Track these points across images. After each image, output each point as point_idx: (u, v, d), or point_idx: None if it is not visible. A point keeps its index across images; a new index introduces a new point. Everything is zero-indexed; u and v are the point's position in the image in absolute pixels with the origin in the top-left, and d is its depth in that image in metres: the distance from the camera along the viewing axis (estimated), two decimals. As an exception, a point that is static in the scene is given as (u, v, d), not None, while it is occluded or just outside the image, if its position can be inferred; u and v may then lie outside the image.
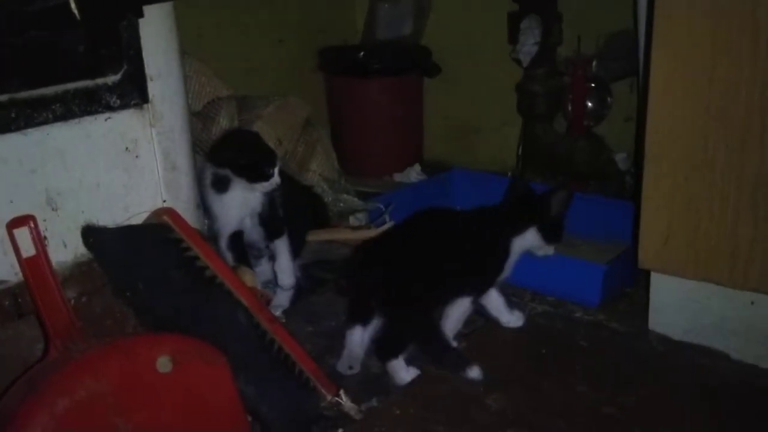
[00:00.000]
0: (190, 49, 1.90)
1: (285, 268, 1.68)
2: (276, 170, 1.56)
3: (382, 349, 1.46)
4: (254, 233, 1.66)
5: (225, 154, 1.57)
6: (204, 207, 1.62)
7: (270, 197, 1.61)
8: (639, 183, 1.50)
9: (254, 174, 1.55)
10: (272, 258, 1.71)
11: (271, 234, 1.66)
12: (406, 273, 1.44)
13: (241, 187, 1.57)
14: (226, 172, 1.56)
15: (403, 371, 1.44)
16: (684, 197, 1.43)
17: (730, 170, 1.37)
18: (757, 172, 1.34)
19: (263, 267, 1.75)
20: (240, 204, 1.60)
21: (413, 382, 1.44)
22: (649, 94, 1.43)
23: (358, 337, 1.49)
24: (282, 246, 1.67)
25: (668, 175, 1.43)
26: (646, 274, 1.57)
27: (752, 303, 1.43)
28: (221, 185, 1.57)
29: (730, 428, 1.30)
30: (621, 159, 2.30)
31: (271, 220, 1.64)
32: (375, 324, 1.48)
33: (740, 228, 1.38)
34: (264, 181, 1.56)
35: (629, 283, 1.76)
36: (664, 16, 1.37)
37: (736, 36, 1.31)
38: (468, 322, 1.62)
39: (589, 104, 2.32)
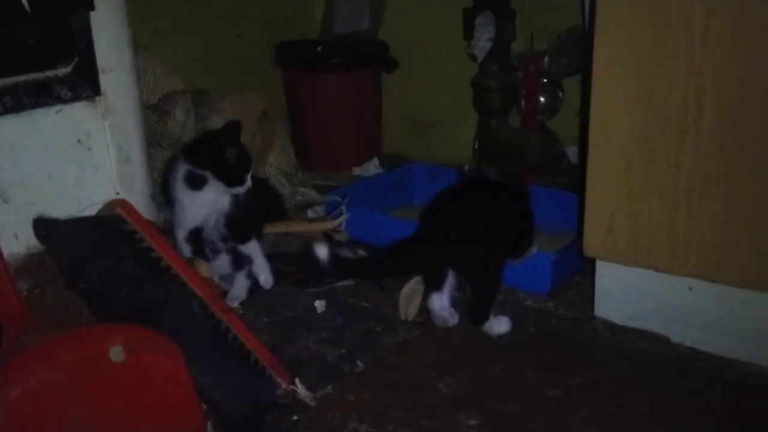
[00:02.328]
0: (146, 43, 1.90)
1: (263, 269, 1.70)
2: (249, 175, 1.59)
3: (477, 314, 1.58)
4: (214, 232, 1.68)
5: (208, 156, 1.57)
6: (168, 199, 1.63)
7: (237, 199, 1.63)
8: (583, 174, 1.55)
9: (233, 179, 1.58)
10: (229, 251, 1.72)
11: (238, 237, 1.68)
12: (482, 240, 1.57)
13: (215, 188, 1.59)
14: (205, 173, 1.57)
15: (499, 324, 1.58)
16: (625, 188, 1.48)
17: (668, 162, 1.42)
18: (692, 163, 1.40)
19: (221, 261, 1.76)
20: (210, 203, 1.62)
21: (367, 369, 1.48)
22: (591, 88, 1.47)
23: (439, 302, 1.59)
24: (254, 248, 1.69)
25: (610, 166, 1.49)
26: (593, 262, 1.63)
27: (690, 288, 1.49)
28: (196, 183, 1.58)
29: (670, 407, 1.36)
30: (572, 152, 2.36)
31: (238, 223, 1.66)
32: (448, 285, 1.60)
33: (678, 217, 1.44)
34: (239, 186, 1.58)
35: (578, 272, 1.82)
36: (605, 12, 1.42)
37: (673, 31, 1.37)
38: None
39: (542, 99, 2.37)
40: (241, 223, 1.66)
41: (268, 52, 2.68)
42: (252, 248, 1.69)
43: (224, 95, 2.08)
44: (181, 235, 1.64)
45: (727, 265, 1.41)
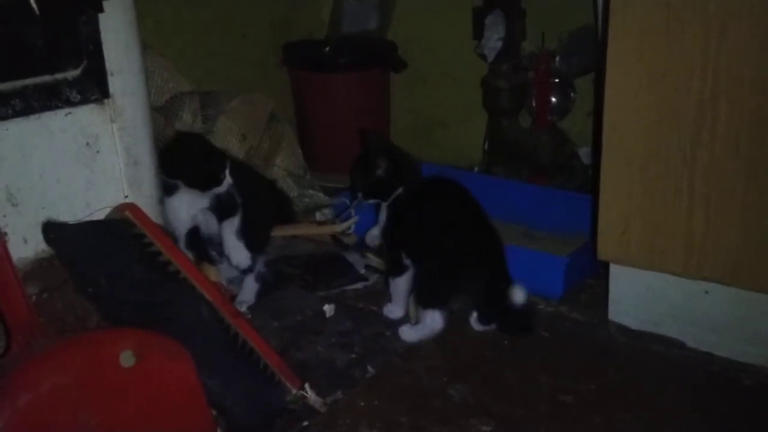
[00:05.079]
0: (152, 44, 1.89)
1: (232, 247, 1.61)
2: (227, 171, 1.56)
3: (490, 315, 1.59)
4: (210, 225, 1.66)
5: (176, 167, 1.54)
6: None
7: (218, 196, 1.60)
8: (597, 176, 1.53)
9: (208, 184, 1.56)
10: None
11: (223, 216, 1.63)
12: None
13: (189, 191, 1.57)
14: (176, 182, 1.55)
15: None
16: (640, 190, 1.46)
17: (683, 163, 1.40)
18: (708, 165, 1.38)
19: (227, 264, 1.75)
20: (188, 205, 1.60)
21: (377, 374, 1.46)
22: (605, 88, 1.46)
23: None
24: (226, 227, 1.62)
25: (624, 168, 1.47)
26: (606, 265, 1.61)
27: (706, 292, 1.47)
28: (168, 189, 1.55)
29: (685, 413, 1.35)
30: (584, 153, 2.33)
31: (222, 206, 1.62)
32: None
33: (694, 220, 1.42)
34: (218, 186, 1.57)
35: (591, 275, 1.80)
36: (618, 13, 1.40)
37: (688, 33, 1.35)
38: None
39: (553, 99, 2.35)
40: (230, 202, 1.61)
41: (274, 52, 2.66)
42: (225, 226, 1.62)
43: (232, 96, 2.06)
44: (180, 243, 1.62)
45: (743, 268, 1.39)
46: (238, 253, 1.63)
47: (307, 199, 2.14)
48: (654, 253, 1.48)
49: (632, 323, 1.59)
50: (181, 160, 1.55)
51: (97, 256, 1.30)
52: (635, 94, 1.43)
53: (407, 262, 1.60)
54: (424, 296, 1.57)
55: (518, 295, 1.55)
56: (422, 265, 1.58)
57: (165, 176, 1.55)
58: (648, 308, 1.55)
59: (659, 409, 1.36)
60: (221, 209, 1.62)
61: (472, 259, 1.56)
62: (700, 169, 1.39)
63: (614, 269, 1.58)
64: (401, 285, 1.63)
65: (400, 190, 1.61)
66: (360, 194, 1.66)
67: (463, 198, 1.60)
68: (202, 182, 1.56)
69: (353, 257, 1.90)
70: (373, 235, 1.70)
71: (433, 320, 1.54)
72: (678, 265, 1.46)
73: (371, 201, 1.66)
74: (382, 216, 1.63)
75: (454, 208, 1.60)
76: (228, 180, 1.57)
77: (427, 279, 1.57)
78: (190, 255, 1.61)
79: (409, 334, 1.57)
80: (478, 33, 2.34)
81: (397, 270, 1.62)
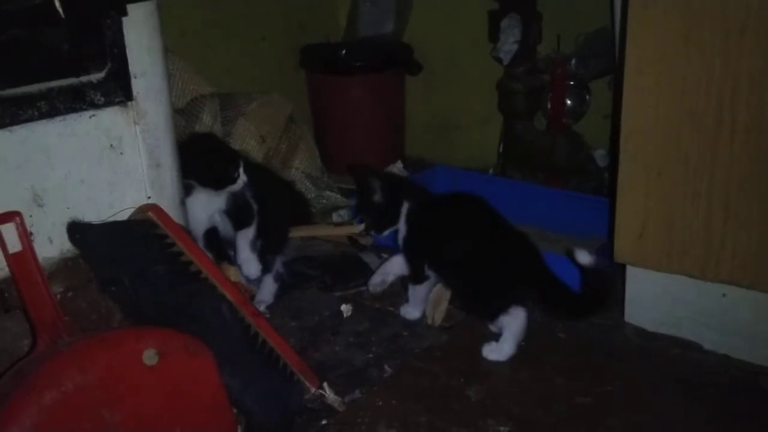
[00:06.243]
0: (173, 47, 1.91)
1: (244, 259, 1.65)
2: (241, 170, 1.58)
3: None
4: (228, 227, 1.67)
5: (189, 167, 1.53)
6: None
7: (234, 195, 1.62)
8: (614, 179, 1.53)
9: (222, 182, 1.57)
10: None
11: (238, 224, 1.65)
12: None
13: (205, 191, 1.59)
14: (191, 182, 1.56)
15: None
16: (658, 193, 1.47)
17: (702, 166, 1.40)
18: (727, 168, 1.38)
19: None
20: (205, 205, 1.61)
21: (394, 374, 1.47)
22: (623, 91, 1.46)
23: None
24: (241, 237, 1.65)
25: (643, 171, 1.47)
26: (623, 268, 1.61)
27: (724, 295, 1.47)
28: (185, 189, 1.55)
29: (701, 416, 1.34)
30: (600, 156, 2.34)
31: (238, 212, 1.64)
32: None
33: (712, 223, 1.42)
34: (232, 185, 1.58)
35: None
36: (637, 15, 1.41)
37: (707, 35, 1.35)
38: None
39: (569, 102, 2.35)
40: (244, 211, 1.64)
41: (292, 55, 2.68)
42: (239, 236, 1.65)
43: (251, 98, 2.08)
44: (198, 242, 1.63)
45: (761, 271, 1.39)
46: (249, 265, 1.66)
47: (324, 201, 2.15)
48: (671, 256, 1.48)
49: (649, 325, 1.59)
50: (192, 159, 1.55)
51: (121, 255, 1.31)
52: (654, 97, 1.43)
53: (429, 272, 1.61)
54: (484, 310, 1.56)
55: (583, 258, 1.44)
56: (465, 285, 1.57)
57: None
58: (665, 310, 1.56)
59: (676, 412, 1.35)
60: (237, 216, 1.64)
61: (515, 266, 1.53)
62: (719, 172, 1.39)
63: (631, 271, 1.58)
64: (420, 291, 1.65)
65: (407, 205, 1.61)
66: (374, 232, 1.67)
67: (490, 211, 1.58)
68: (214, 180, 1.57)
69: (370, 258, 1.91)
70: (376, 282, 1.70)
71: (513, 318, 1.51)
72: (695, 268, 1.46)
73: (387, 232, 1.66)
74: (403, 228, 1.62)
75: (483, 222, 1.57)
76: (243, 178, 1.58)
77: (477, 297, 1.55)
78: (209, 255, 1.63)
79: (497, 351, 1.52)
80: (494, 36, 2.35)
81: (419, 279, 1.63)
